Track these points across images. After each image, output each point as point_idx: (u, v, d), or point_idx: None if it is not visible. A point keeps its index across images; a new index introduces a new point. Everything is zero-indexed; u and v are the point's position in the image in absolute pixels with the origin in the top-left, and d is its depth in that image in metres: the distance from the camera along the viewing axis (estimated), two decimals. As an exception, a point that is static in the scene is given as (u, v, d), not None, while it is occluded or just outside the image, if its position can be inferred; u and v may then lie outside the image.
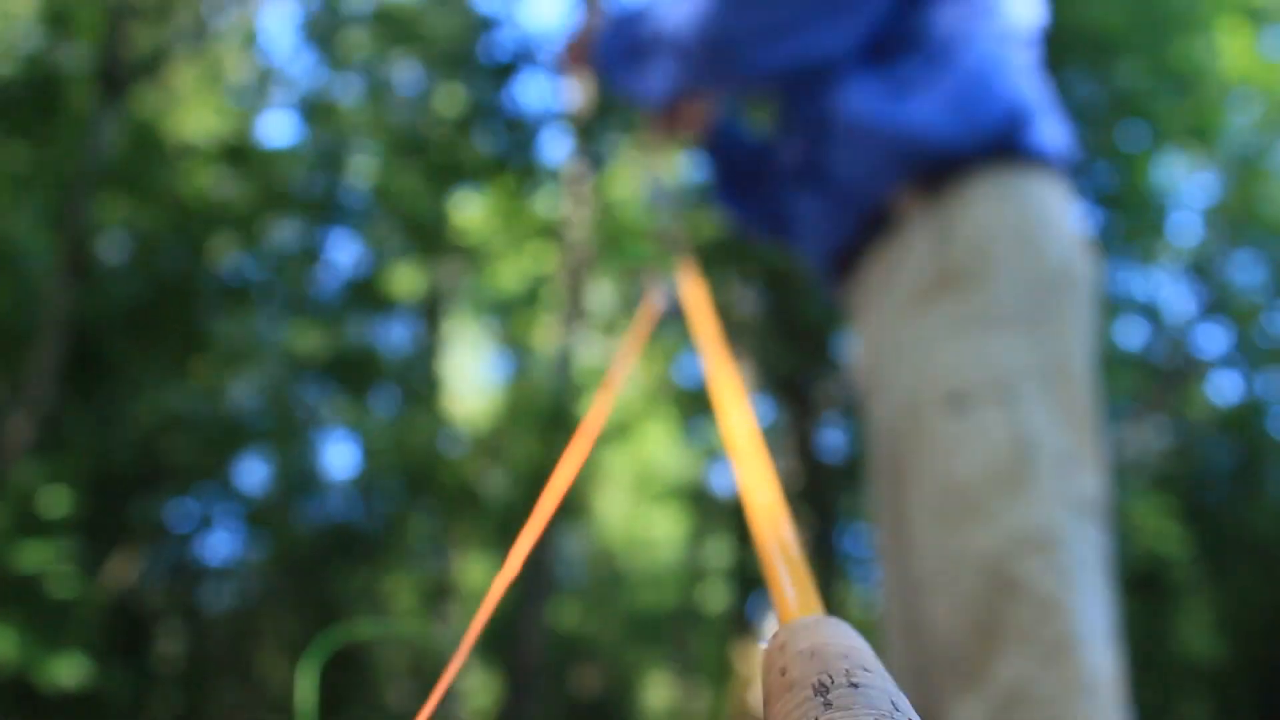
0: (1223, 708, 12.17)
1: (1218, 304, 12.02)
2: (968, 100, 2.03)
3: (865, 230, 2.15)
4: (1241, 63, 10.59)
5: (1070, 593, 1.76)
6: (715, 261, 10.10)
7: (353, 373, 11.68)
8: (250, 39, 11.41)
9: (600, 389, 1.09)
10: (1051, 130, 2.11)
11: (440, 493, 12.06)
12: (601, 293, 12.99)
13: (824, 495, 11.35)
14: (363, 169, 11.44)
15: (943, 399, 1.92)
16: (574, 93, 10.63)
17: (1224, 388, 13.32)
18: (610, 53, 2.35)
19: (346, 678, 11.44)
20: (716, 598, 16.44)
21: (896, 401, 2.04)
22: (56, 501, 7.96)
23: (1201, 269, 12.03)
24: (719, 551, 16.09)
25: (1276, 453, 12.76)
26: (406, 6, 11.11)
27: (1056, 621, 1.73)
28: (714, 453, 14.49)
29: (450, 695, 12.80)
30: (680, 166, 9.85)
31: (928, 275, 2.01)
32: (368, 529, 12.21)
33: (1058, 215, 2.07)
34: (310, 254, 11.36)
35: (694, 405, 13.72)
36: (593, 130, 10.81)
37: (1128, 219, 10.74)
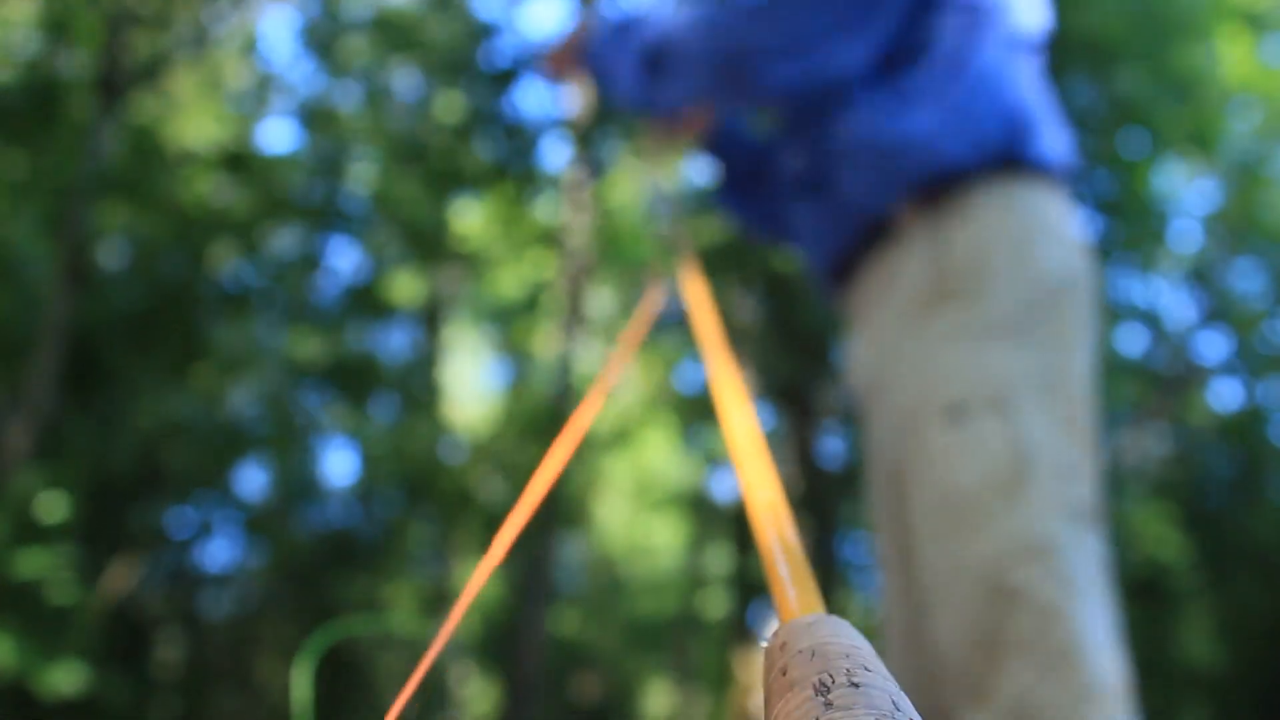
0: (1223, 714, 12.16)
1: (1218, 311, 12.02)
2: (970, 114, 2.02)
3: (864, 239, 2.14)
4: (1242, 70, 10.60)
5: (1071, 601, 1.76)
6: (715, 268, 10.10)
7: (352, 380, 11.68)
8: (250, 46, 11.42)
9: (596, 383, 1.08)
10: (1052, 139, 2.11)
11: (439, 500, 12.06)
12: (601, 299, 12.99)
13: (824, 502, 11.34)
14: (362, 176, 11.45)
15: (941, 410, 1.92)
16: (573, 99, 10.63)
17: (1224, 395, 13.32)
18: (608, 60, 2.31)
19: (345, 684, 11.43)
20: (716, 605, 16.43)
21: (896, 412, 2.04)
22: (54, 506, 7.95)
23: (1202, 276, 12.03)
24: (719, 559, 16.09)
25: (1277, 460, 12.75)
26: (406, 13, 11.12)
27: (1059, 630, 1.73)
28: (714, 459, 14.48)
29: (450, 702, 12.80)
30: (680, 172, 9.85)
31: (926, 286, 2.01)
32: (367, 536, 12.20)
33: (1058, 224, 2.06)
34: (310, 261, 11.37)
35: (694, 412, 13.72)
36: (592, 136, 10.82)
37: (1128, 226, 10.74)
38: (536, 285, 12.27)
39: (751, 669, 12.43)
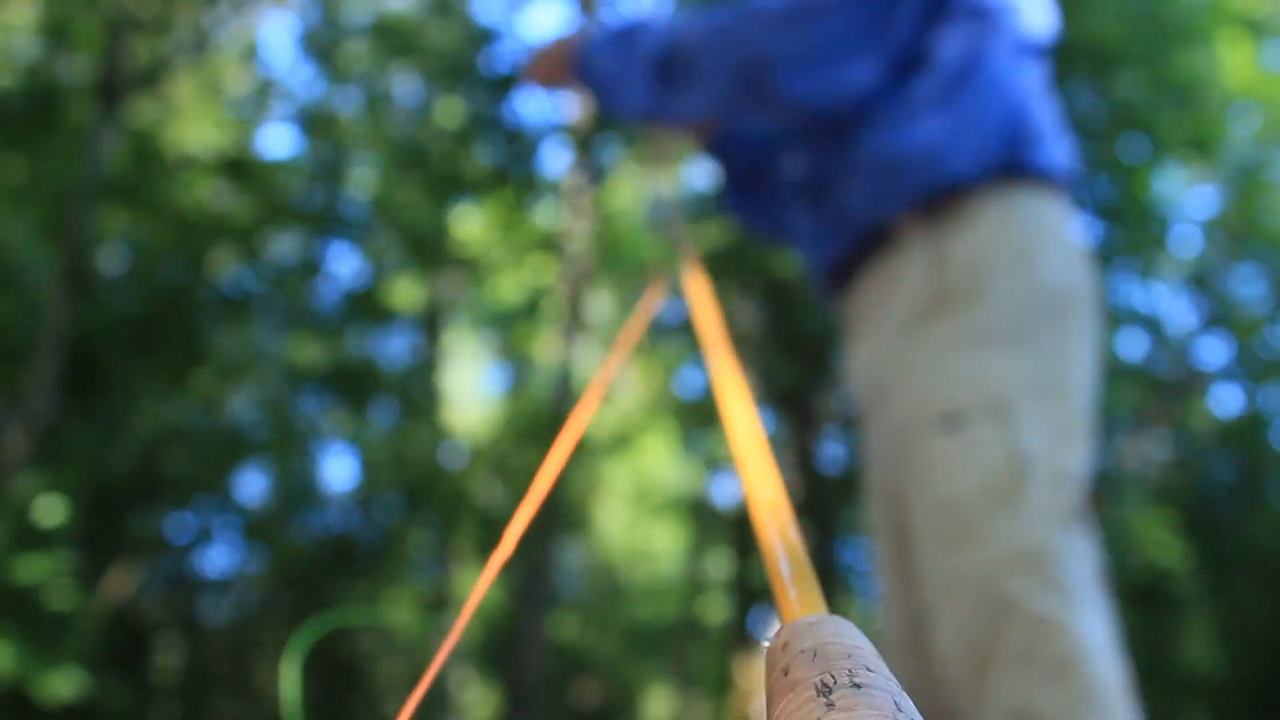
0: (1224, 719, 12.16)
1: (1219, 316, 12.02)
2: (974, 125, 2.01)
3: (863, 245, 2.14)
4: (1242, 75, 10.60)
5: (1070, 609, 1.75)
6: (714, 273, 10.01)
7: (352, 385, 11.68)
8: (251, 51, 11.42)
9: (595, 381, 1.08)
10: (1054, 146, 2.10)
11: (439, 505, 12.06)
12: (601, 304, 12.99)
13: (824, 507, 11.34)
14: (362, 181, 11.45)
15: (939, 417, 1.91)
16: (573, 104, 10.63)
17: (1225, 400, 13.32)
18: (607, 68, 2.24)
19: (346, 690, 11.42)
20: (717, 610, 16.43)
21: (895, 420, 2.03)
22: (53, 510, 7.95)
23: (1202, 281, 12.02)
24: (719, 564, 16.09)
25: (1277, 465, 12.75)
26: (406, 18, 11.13)
27: (1058, 640, 1.72)
28: (714, 464, 14.48)
29: (451, 708, 12.78)
30: (681, 176, 9.85)
31: (926, 294, 2.00)
32: (367, 541, 12.20)
33: (1059, 232, 2.06)
34: (310, 266, 11.37)
35: (694, 417, 13.72)
36: (592, 142, 10.82)
37: (1128, 231, 10.74)
38: (536, 290, 12.27)
39: (752, 674, 12.43)
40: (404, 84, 11.51)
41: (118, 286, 10.38)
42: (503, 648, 11.99)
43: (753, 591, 13.02)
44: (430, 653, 11.95)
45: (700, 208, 10.08)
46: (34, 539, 7.86)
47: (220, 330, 10.75)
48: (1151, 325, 12.00)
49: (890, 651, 2.02)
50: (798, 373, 11.09)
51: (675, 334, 11.87)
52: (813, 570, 0.65)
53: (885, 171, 2.04)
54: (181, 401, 10.53)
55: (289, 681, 1.08)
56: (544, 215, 12.03)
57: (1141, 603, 11.51)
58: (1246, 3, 10.81)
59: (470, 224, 12.37)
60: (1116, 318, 10.69)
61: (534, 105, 10.93)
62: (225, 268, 11.00)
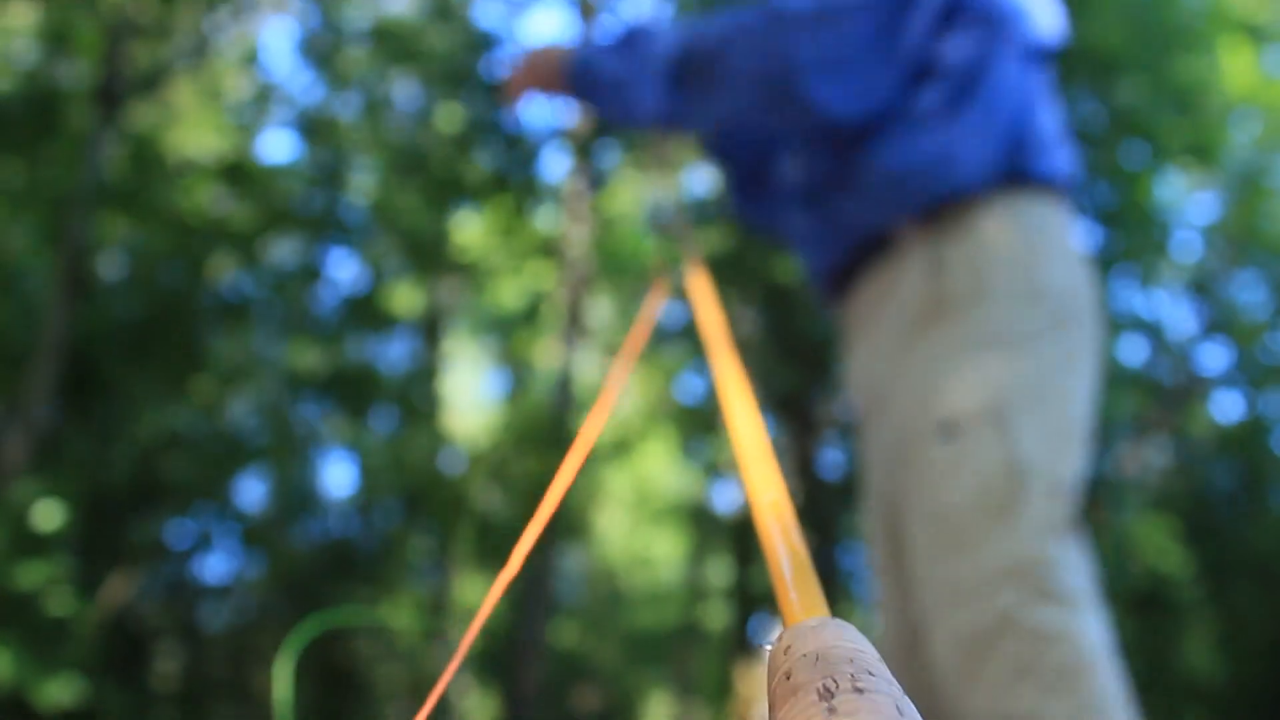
0: (1225, 727, 12.15)
1: (1219, 322, 12.02)
2: (978, 135, 2.00)
3: (862, 251, 2.12)
4: (1243, 80, 10.61)
5: (1068, 620, 1.74)
6: (714, 279, 10.04)
7: (352, 391, 11.68)
8: (251, 56, 11.43)
9: (603, 389, 1.07)
10: (1057, 154, 2.09)
11: (439, 511, 12.05)
12: (601, 309, 13.00)
13: (824, 513, 11.34)
14: (362, 186, 11.45)
15: (935, 425, 1.90)
16: (573, 110, 10.62)
17: (1226, 407, 13.32)
18: (608, 76, 2.16)
19: (345, 697, 11.41)
20: (717, 617, 16.43)
21: (892, 428, 2.02)
22: (50, 515, 7.93)
23: (1203, 287, 12.03)
24: (719, 571, 16.09)
25: (1278, 472, 12.75)
26: (406, 23, 11.13)
27: (1058, 650, 1.71)
28: (715, 471, 14.48)
29: (451, 715, 12.76)
30: (682, 180, 9.84)
31: (925, 301, 1.99)
32: (366, 547, 12.20)
33: (1060, 239, 2.05)
34: (310, 271, 11.37)
35: (694, 424, 13.72)
36: (591, 147, 10.82)
37: (1129, 237, 10.74)
38: (536, 295, 12.28)
39: (752, 681, 12.42)
40: (404, 89, 11.51)
41: (117, 292, 10.38)
42: (503, 654, 11.97)
43: (753, 598, 13.02)
44: (430, 659, 11.96)
45: (700, 213, 10.08)
46: (33, 545, 7.85)
47: (220, 336, 10.75)
48: (1152, 331, 12.00)
49: (886, 658, 2.00)
50: (798, 378, 11.10)
51: (676, 339, 11.87)
52: (814, 574, 0.64)
53: (889, 184, 2.02)
54: (181, 407, 10.53)
55: (281, 682, 1.08)
56: (544, 220, 12.03)
57: (1142, 609, 11.51)
58: (1247, 8, 10.82)
59: (470, 229, 12.37)
60: (1117, 323, 10.69)
61: (534, 110, 10.89)
62: (225, 273, 10.99)
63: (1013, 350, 1.92)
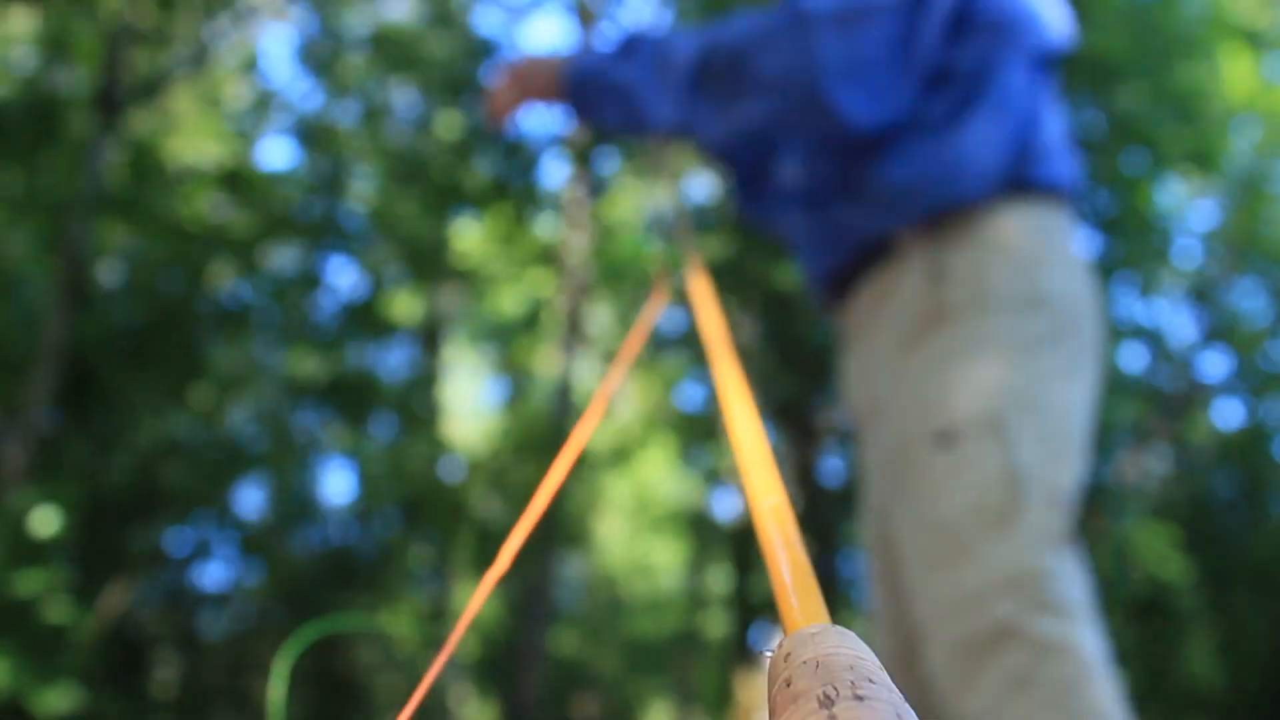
0: (1226, 735, 12.14)
1: (1220, 329, 12.02)
2: (983, 146, 1.97)
3: (861, 257, 2.11)
4: (1243, 87, 10.62)
5: (1066, 631, 1.73)
6: (713, 287, 10.06)
7: (351, 398, 11.68)
8: (250, 63, 11.43)
9: (600, 387, 1.06)
10: (1060, 161, 2.07)
11: (438, 519, 12.05)
12: (601, 317, 13.00)
13: (824, 521, 11.33)
14: (362, 193, 11.45)
15: (933, 434, 1.89)
16: (568, 120, 10.59)
17: (1227, 414, 13.32)
18: (617, 81, 2.08)
19: (344, 706, 11.40)
20: (717, 625, 16.42)
21: (889, 436, 2.01)
22: (47, 521, 7.92)
23: (1203, 294, 12.03)
24: (719, 578, 16.08)
25: (1278, 479, 12.75)
26: (405, 30, 11.13)
27: (1056, 663, 1.70)
28: (714, 478, 14.48)
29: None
30: (682, 187, 9.84)
31: (924, 309, 1.97)
32: (365, 555, 12.19)
33: (1062, 247, 2.03)
34: (309, 279, 11.36)
35: (694, 431, 13.72)
36: (591, 154, 10.83)
37: (1129, 244, 10.74)
38: (536, 303, 12.28)
39: (752, 690, 12.41)
40: (403, 96, 11.51)
41: (117, 299, 10.38)
42: (502, 662, 11.97)
43: (753, 606, 13.02)
44: (429, 668, 11.92)
45: (699, 220, 10.08)
46: (31, 552, 7.84)
47: (219, 343, 10.75)
48: (1153, 338, 12.00)
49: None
50: (798, 386, 11.09)
51: (676, 346, 11.87)
52: (815, 579, 0.64)
53: (893, 193, 2.00)
54: (180, 414, 10.53)
55: (276, 686, 1.08)
56: (544, 228, 12.03)
57: (1142, 616, 11.51)
58: (1247, 15, 10.83)
59: (470, 236, 12.37)
60: (1118, 330, 10.69)
61: (534, 117, 10.87)
62: (224, 280, 10.99)
63: (1013, 357, 1.90)
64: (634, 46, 2.11)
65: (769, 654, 0.57)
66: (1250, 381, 12.31)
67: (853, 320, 2.17)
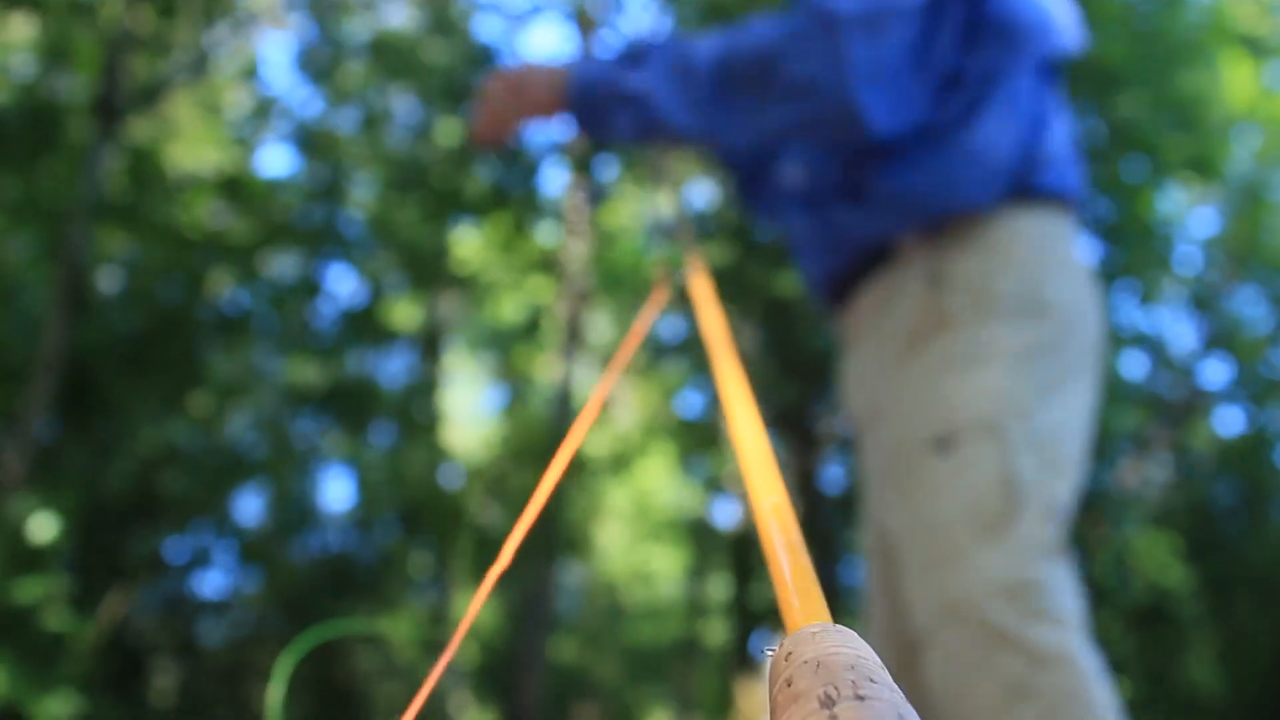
0: (1227, 743, 12.12)
1: (1221, 337, 12.02)
2: (987, 157, 1.96)
3: (861, 261, 2.10)
4: (1244, 94, 10.62)
5: (1066, 639, 1.72)
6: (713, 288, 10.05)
7: (351, 405, 11.67)
8: (250, 70, 11.43)
9: (603, 378, 1.05)
10: (1065, 169, 2.06)
11: (438, 526, 12.04)
12: (600, 324, 13.00)
13: (825, 528, 11.31)
14: (361, 200, 11.45)
15: (930, 439, 1.88)
16: (568, 131, 10.58)
17: (1228, 421, 13.31)
18: (631, 88, 1.99)
19: (344, 714, 11.38)
20: (717, 633, 16.42)
21: (888, 442, 2.00)
22: (44, 527, 7.91)
23: (1204, 302, 12.02)
24: (719, 586, 16.08)
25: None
26: (405, 37, 11.14)
27: (1057, 672, 1.69)
28: (714, 486, 14.48)
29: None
30: (683, 194, 9.83)
31: (925, 315, 1.96)
32: (365, 562, 12.18)
33: (1064, 254, 2.02)
34: (308, 286, 11.36)
35: (694, 438, 13.72)
36: (591, 161, 10.82)
37: (1129, 251, 10.74)
38: (536, 309, 12.28)
39: (753, 697, 12.39)
40: (403, 103, 11.51)
41: (116, 306, 10.37)
42: (502, 670, 11.94)
43: (753, 614, 13.01)
44: (430, 674, 11.91)
45: (700, 227, 10.07)
46: (30, 560, 7.83)
47: (218, 350, 10.75)
48: (1153, 346, 12.00)
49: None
50: (798, 393, 11.08)
51: (675, 354, 11.87)
52: (816, 578, 0.65)
53: (896, 199, 1.99)
54: (179, 421, 10.53)
55: (275, 692, 1.07)
56: (544, 235, 12.03)
57: (1143, 624, 11.50)
58: (1248, 22, 10.84)
59: (469, 244, 12.37)
60: (1119, 338, 10.68)
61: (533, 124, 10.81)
62: (223, 287, 10.99)
63: (1014, 364, 1.89)
64: (643, 53, 2.04)
65: (770, 653, 0.58)
66: (1251, 389, 12.30)
67: (852, 325, 2.16)
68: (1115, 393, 10.21)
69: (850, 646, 0.55)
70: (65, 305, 8.05)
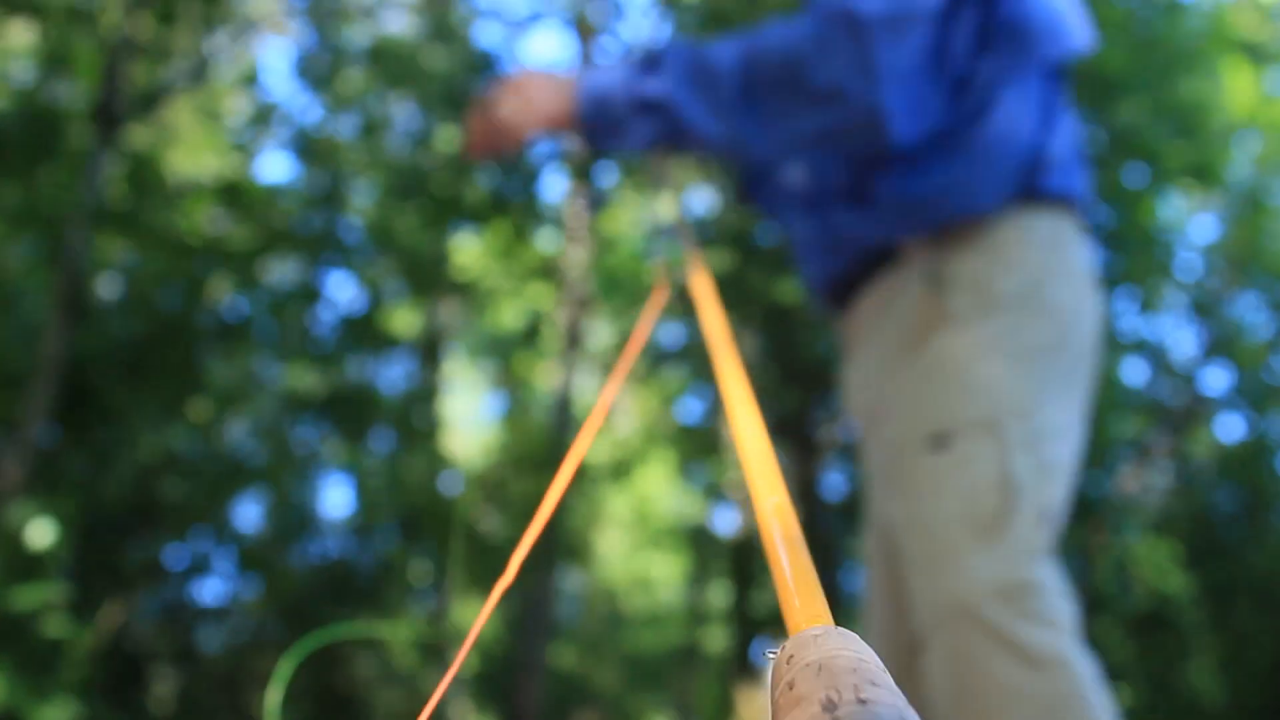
0: (1228, 751, 12.10)
1: (1222, 343, 12.01)
2: (994, 161, 1.95)
3: (863, 263, 2.09)
4: (1244, 101, 10.62)
5: (1061, 643, 1.71)
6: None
7: (350, 412, 11.66)
8: (250, 77, 11.43)
9: (607, 383, 1.05)
10: (1070, 171, 2.05)
11: (437, 533, 12.03)
12: (601, 331, 12.99)
13: (826, 536, 11.30)
14: (361, 207, 11.45)
15: (928, 436, 1.87)
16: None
17: (1228, 428, 13.30)
18: (646, 100, 1.93)
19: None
20: (717, 640, 16.40)
21: (889, 441, 1.99)
22: (42, 533, 7.90)
23: (1205, 308, 12.01)
24: (720, 593, 16.06)
25: (1281, 493, 12.75)
26: (405, 43, 11.13)
27: (1050, 675, 1.68)
28: (715, 493, 14.47)
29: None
30: (683, 201, 9.82)
31: (926, 315, 1.96)
32: (364, 569, 12.17)
33: (1069, 256, 2.02)
34: (308, 292, 11.35)
35: (694, 445, 13.72)
36: (591, 168, 10.82)
37: (1130, 258, 10.73)
38: (536, 315, 12.27)
39: (753, 705, 12.38)
40: (403, 109, 11.51)
41: (115, 312, 10.37)
42: (502, 677, 11.91)
43: (754, 621, 12.99)
44: (430, 683, 11.90)
45: (699, 234, 10.05)
46: (29, 567, 7.82)
47: (218, 357, 10.74)
48: (1154, 352, 11.99)
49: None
50: (798, 400, 11.07)
51: (675, 360, 11.86)
52: (817, 580, 0.67)
53: (902, 205, 1.98)
54: (178, 428, 10.51)
55: (273, 697, 1.06)
56: (544, 241, 12.03)
57: (1144, 631, 11.48)
58: (1248, 29, 10.84)
59: (469, 250, 12.37)
60: (1119, 345, 10.67)
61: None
62: (223, 294, 10.99)
63: (1014, 364, 1.88)
64: (656, 59, 1.97)
65: (771, 655, 0.58)
66: (1252, 396, 12.29)
67: (854, 327, 2.15)
68: (1116, 399, 10.21)
69: (852, 649, 0.55)
70: (64, 311, 8.03)
